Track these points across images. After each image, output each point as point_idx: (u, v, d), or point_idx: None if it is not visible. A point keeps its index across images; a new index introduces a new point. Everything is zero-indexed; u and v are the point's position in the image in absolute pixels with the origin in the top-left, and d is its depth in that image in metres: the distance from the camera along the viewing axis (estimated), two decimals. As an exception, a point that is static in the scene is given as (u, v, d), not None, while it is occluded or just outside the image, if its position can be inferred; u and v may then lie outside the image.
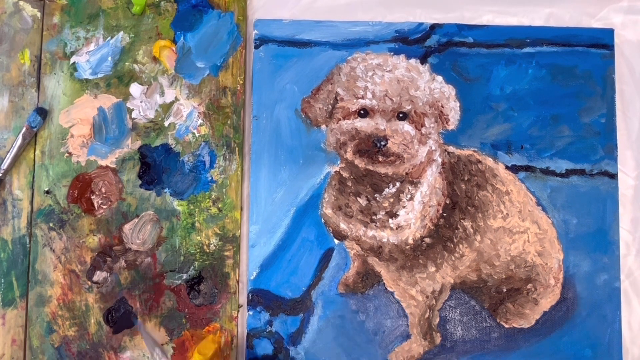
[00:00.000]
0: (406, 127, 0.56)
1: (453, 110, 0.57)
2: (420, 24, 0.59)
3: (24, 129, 0.57)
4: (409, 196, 0.56)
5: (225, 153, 0.58)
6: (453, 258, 0.56)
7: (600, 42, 0.59)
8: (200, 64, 0.59)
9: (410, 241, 0.56)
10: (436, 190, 0.56)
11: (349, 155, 0.56)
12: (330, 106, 0.57)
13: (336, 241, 0.57)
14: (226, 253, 0.57)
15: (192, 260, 0.57)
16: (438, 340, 0.56)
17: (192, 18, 0.59)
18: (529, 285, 0.56)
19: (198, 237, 0.57)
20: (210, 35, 0.59)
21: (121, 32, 0.59)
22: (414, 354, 0.56)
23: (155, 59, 0.59)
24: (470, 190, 0.56)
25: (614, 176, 0.57)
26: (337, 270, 0.57)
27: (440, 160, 0.57)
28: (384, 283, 0.57)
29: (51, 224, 0.57)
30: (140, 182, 0.58)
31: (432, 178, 0.57)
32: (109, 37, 0.59)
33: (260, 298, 0.56)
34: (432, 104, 0.56)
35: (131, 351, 0.56)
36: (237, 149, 0.58)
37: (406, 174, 0.56)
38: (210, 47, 0.59)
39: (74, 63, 0.59)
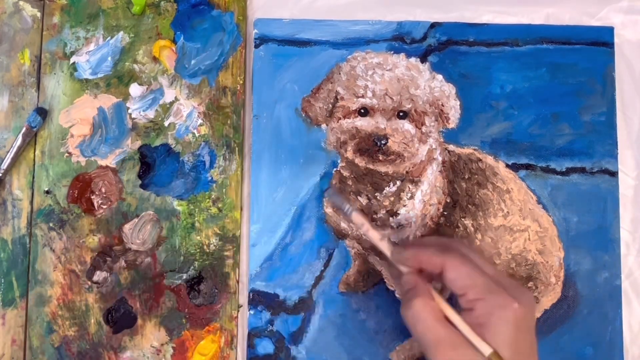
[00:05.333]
0: (406, 125, 0.56)
1: (453, 109, 0.57)
2: (420, 22, 0.59)
3: (24, 129, 0.57)
4: (409, 195, 0.56)
5: (225, 153, 0.58)
6: (454, 256, 0.56)
7: (600, 39, 0.59)
8: (200, 63, 0.59)
9: (411, 240, 0.56)
10: (437, 189, 0.56)
11: (349, 154, 0.56)
12: (330, 105, 0.57)
13: (337, 240, 0.57)
14: (226, 253, 0.57)
15: (192, 260, 0.57)
16: (439, 338, 0.56)
17: (192, 18, 0.59)
18: (530, 284, 0.56)
19: (198, 237, 0.57)
20: (210, 35, 0.59)
21: (121, 32, 0.59)
22: (415, 352, 0.56)
23: (155, 59, 0.59)
24: (471, 189, 0.56)
25: (614, 174, 0.57)
26: (338, 269, 0.57)
27: (440, 158, 0.57)
28: (385, 282, 0.57)
29: (51, 224, 0.57)
30: (140, 182, 0.58)
31: (432, 177, 0.56)
32: (109, 37, 0.59)
33: (261, 297, 0.56)
34: (432, 103, 0.56)
35: (131, 351, 0.56)
36: (237, 148, 0.58)
37: (407, 172, 0.56)
38: (210, 47, 0.59)
39: (73, 63, 0.59)
